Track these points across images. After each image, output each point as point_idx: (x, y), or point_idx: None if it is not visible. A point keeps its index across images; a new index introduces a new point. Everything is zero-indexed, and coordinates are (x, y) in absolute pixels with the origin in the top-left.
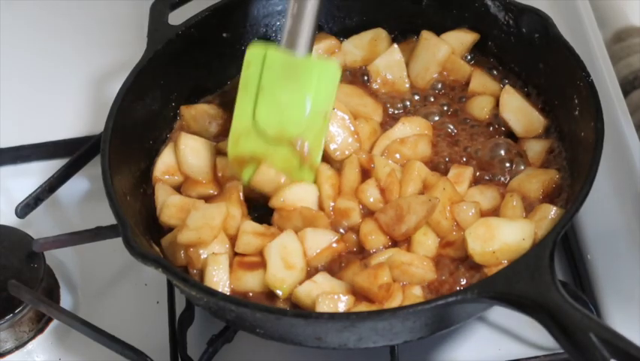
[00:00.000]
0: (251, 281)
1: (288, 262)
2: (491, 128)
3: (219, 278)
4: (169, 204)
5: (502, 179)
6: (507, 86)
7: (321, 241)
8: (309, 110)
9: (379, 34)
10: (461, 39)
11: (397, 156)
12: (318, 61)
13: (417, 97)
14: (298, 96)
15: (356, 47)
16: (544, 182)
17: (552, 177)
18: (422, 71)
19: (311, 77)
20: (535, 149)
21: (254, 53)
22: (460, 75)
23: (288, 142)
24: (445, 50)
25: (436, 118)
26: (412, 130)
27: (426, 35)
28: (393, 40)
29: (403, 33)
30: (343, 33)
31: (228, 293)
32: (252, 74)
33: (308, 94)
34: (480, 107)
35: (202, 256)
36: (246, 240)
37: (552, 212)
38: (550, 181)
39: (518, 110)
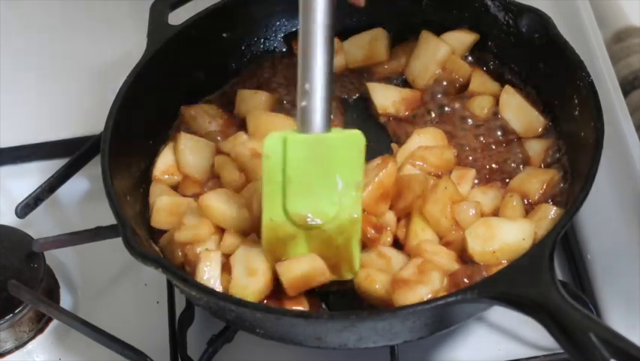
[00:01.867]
0: None
1: (251, 269)
2: (491, 128)
3: (210, 275)
4: (158, 209)
5: (503, 179)
6: (507, 86)
7: None
8: (341, 188)
9: (379, 34)
10: (461, 39)
11: (422, 164)
12: (340, 134)
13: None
14: (327, 177)
15: (356, 47)
16: (544, 182)
17: (552, 177)
18: (422, 71)
19: (336, 153)
20: (535, 149)
21: (272, 143)
22: (460, 75)
23: (325, 220)
24: (445, 50)
25: (436, 117)
26: (427, 141)
27: (426, 35)
28: (393, 39)
29: (403, 33)
30: (343, 33)
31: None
32: (275, 166)
33: (336, 170)
34: (480, 107)
35: (197, 253)
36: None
37: (552, 212)
38: (550, 181)
39: (518, 110)
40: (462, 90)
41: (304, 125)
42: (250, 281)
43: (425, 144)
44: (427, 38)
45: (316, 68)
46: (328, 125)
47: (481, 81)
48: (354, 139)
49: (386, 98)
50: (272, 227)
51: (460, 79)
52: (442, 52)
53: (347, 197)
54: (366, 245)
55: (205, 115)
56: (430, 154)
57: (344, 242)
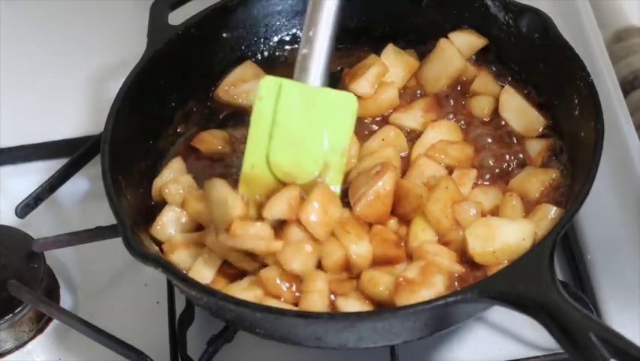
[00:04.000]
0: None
1: None
2: (492, 128)
3: (204, 276)
4: (175, 243)
5: (503, 178)
6: (507, 86)
7: None
8: (326, 146)
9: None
10: (470, 42)
11: (443, 157)
12: (334, 92)
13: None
14: (314, 130)
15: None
16: (544, 182)
17: (552, 176)
18: (432, 80)
19: (328, 110)
20: (535, 148)
21: (268, 85)
22: (467, 77)
23: (304, 180)
24: (459, 64)
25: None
26: (442, 135)
27: (443, 45)
28: (393, 39)
29: (403, 33)
30: (343, 33)
31: None
32: (266, 108)
33: (324, 128)
34: (480, 107)
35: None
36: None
37: (552, 212)
38: (550, 181)
39: (518, 110)
40: (463, 89)
41: (302, 73)
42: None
43: (441, 137)
44: (443, 48)
45: (322, 18)
46: (325, 79)
47: (483, 82)
48: (348, 100)
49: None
50: (251, 175)
51: (464, 78)
52: (454, 65)
53: (330, 161)
54: (391, 262)
55: (214, 140)
56: (452, 148)
57: None
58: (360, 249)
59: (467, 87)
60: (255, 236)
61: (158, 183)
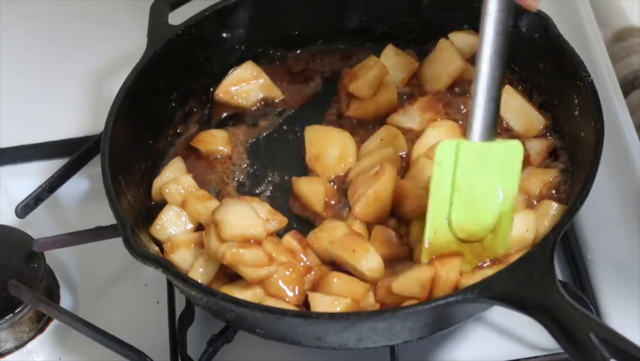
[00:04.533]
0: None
1: None
2: None
3: (204, 276)
4: (176, 242)
5: None
6: (507, 86)
7: None
8: (501, 198)
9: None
10: (470, 42)
11: None
12: (506, 143)
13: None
14: (490, 186)
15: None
16: (544, 181)
17: (552, 176)
18: (432, 80)
19: (500, 163)
20: (535, 148)
21: (445, 150)
22: (465, 76)
23: (484, 234)
24: (459, 64)
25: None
26: (442, 135)
27: (443, 45)
28: (393, 39)
29: (403, 33)
30: (343, 32)
31: None
32: (446, 174)
33: (498, 182)
34: None
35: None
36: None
37: (553, 208)
38: (551, 181)
39: (518, 110)
40: (463, 88)
41: (475, 134)
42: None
43: (441, 137)
44: (443, 49)
45: (489, 85)
46: (493, 132)
47: None
48: (517, 149)
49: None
50: (435, 242)
51: (464, 78)
52: (454, 66)
53: (504, 210)
54: (396, 260)
55: (214, 140)
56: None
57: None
58: (370, 263)
59: (467, 87)
60: (251, 262)
61: (158, 183)
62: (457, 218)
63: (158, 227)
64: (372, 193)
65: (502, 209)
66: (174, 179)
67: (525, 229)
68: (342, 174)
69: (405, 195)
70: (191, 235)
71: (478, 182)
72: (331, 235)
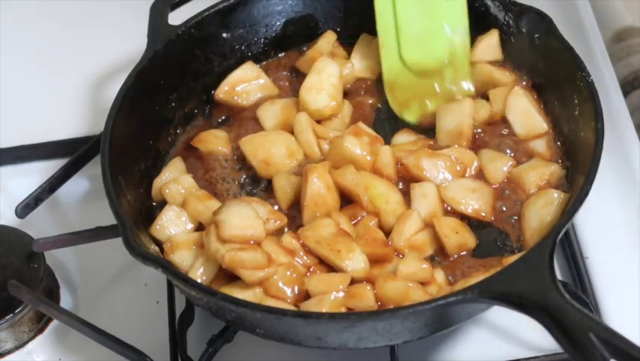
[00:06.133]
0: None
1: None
2: (493, 129)
3: (204, 276)
4: (176, 242)
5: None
6: (516, 87)
7: None
8: (448, 31)
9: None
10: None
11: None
12: None
13: None
14: (434, 21)
15: (360, 59)
16: (542, 175)
17: (552, 171)
18: (455, 133)
19: (440, 2)
20: (541, 145)
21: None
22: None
23: (439, 69)
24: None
25: None
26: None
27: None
28: None
29: None
30: (344, 33)
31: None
32: (387, 19)
33: (442, 18)
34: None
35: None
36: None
37: (556, 196)
38: (550, 177)
39: (523, 113)
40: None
41: None
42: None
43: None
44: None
45: None
46: None
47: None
48: None
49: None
50: (392, 80)
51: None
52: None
53: (455, 43)
54: (380, 260)
55: (214, 140)
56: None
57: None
58: (355, 263)
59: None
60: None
61: (158, 183)
62: (407, 54)
63: (158, 227)
64: (309, 198)
65: (454, 41)
66: (174, 179)
67: None
68: (298, 168)
69: (340, 185)
70: (191, 235)
71: (419, 19)
72: (318, 234)
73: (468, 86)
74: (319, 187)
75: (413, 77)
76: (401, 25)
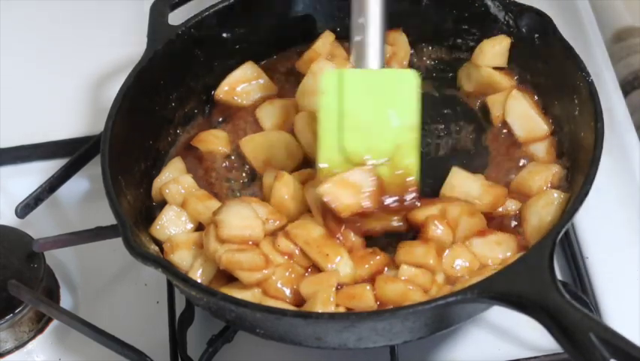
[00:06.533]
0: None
1: None
2: (494, 129)
3: (204, 276)
4: (176, 242)
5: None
6: (514, 91)
7: None
8: (396, 124)
9: None
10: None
11: None
12: (394, 71)
13: None
14: (382, 112)
15: None
16: (546, 177)
17: (553, 171)
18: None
19: (390, 90)
20: (541, 149)
21: (329, 79)
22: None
23: (381, 159)
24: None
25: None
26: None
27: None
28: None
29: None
30: (343, 33)
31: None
32: (331, 101)
33: (390, 107)
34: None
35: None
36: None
37: (556, 196)
38: (554, 176)
39: (522, 116)
40: None
41: (359, 60)
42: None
43: None
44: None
45: (370, 2)
46: (382, 60)
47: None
48: (408, 76)
49: None
50: (329, 168)
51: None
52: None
53: (402, 137)
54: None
55: (214, 140)
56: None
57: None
58: (341, 269)
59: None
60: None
61: (158, 183)
62: (348, 143)
63: (158, 227)
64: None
65: (401, 138)
66: (174, 179)
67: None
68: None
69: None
70: (191, 236)
71: (366, 107)
72: (307, 234)
73: (410, 179)
74: (283, 194)
75: (350, 167)
76: (347, 111)
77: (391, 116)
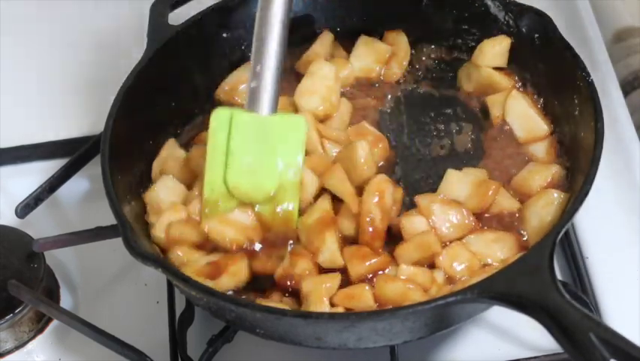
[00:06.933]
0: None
1: None
2: (495, 130)
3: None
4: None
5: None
6: (514, 91)
7: None
8: (280, 169)
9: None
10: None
11: None
12: (283, 118)
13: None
14: (268, 154)
15: (360, 59)
16: (546, 177)
17: (553, 171)
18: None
19: (279, 135)
20: (541, 150)
21: (219, 118)
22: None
23: (262, 199)
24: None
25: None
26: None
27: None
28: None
29: (407, 33)
30: (344, 32)
31: None
32: (219, 138)
33: (277, 150)
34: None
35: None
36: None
37: (556, 196)
38: (552, 176)
39: (522, 116)
40: None
41: (252, 104)
42: None
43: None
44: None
45: (267, 53)
46: (274, 106)
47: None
48: (297, 123)
49: None
50: (213, 199)
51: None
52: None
53: (285, 180)
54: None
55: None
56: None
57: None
58: (325, 255)
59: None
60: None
61: (156, 164)
62: (231, 179)
63: (158, 227)
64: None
65: (284, 179)
66: (170, 154)
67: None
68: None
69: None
70: (190, 236)
71: (253, 148)
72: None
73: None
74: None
75: (235, 203)
76: (232, 149)
77: (277, 159)
